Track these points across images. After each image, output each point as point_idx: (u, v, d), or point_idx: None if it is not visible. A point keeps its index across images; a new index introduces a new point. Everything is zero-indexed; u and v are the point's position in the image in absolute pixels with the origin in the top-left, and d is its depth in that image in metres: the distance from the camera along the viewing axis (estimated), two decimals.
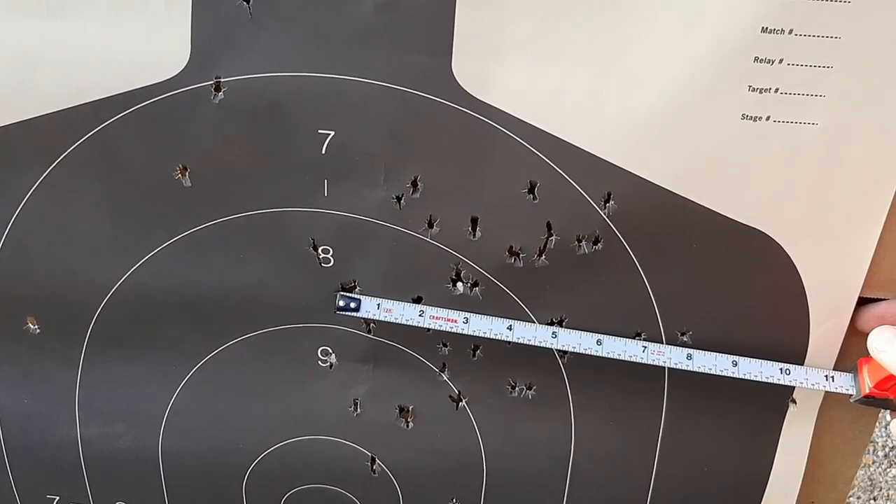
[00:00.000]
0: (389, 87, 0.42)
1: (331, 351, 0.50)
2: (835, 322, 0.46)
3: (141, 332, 0.51)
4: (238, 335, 0.50)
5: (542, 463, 0.52)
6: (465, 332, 0.47)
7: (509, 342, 0.47)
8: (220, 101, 0.43)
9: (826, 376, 0.46)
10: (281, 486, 0.55)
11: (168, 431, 0.54)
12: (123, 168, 0.45)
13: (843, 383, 0.46)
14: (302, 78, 0.42)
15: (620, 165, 0.42)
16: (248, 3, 0.41)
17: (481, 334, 0.47)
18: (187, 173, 0.45)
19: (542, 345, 0.46)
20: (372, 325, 0.49)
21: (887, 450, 1.36)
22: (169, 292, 0.49)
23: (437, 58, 0.41)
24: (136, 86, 0.43)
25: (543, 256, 0.45)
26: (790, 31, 0.39)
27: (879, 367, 0.43)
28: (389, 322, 0.47)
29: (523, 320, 0.47)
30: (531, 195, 0.44)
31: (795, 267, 0.44)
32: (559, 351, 0.49)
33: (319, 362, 0.51)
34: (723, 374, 0.46)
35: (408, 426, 0.52)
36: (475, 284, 0.47)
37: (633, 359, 0.46)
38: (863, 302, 0.45)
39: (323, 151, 0.44)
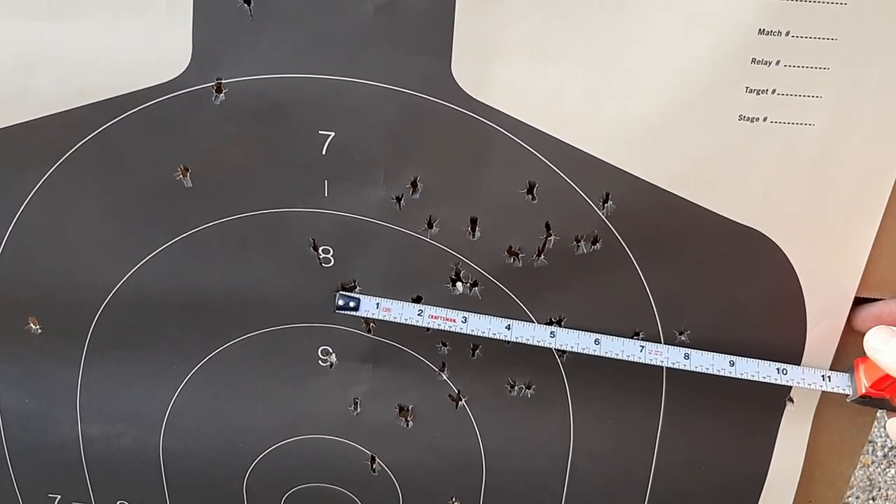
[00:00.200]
0: (389, 88, 0.42)
1: (331, 350, 0.51)
2: (831, 322, 0.46)
3: (142, 332, 0.51)
4: (238, 335, 0.50)
5: (541, 462, 0.52)
6: (463, 331, 0.47)
7: (508, 342, 0.47)
8: (221, 102, 0.43)
9: (823, 376, 0.46)
10: (281, 486, 0.55)
11: (169, 431, 0.54)
12: (125, 169, 0.45)
13: (839, 383, 0.46)
14: (302, 79, 0.42)
15: (619, 166, 0.42)
16: (248, 5, 0.41)
17: (480, 334, 0.47)
18: (188, 174, 0.45)
19: (541, 344, 0.47)
20: (372, 324, 0.49)
21: (886, 450, 1.36)
22: (170, 292, 0.49)
23: (436, 59, 0.41)
24: (137, 87, 0.43)
25: (542, 256, 0.46)
26: (787, 33, 0.39)
27: (876, 366, 0.43)
28: (389, 321, 0.47)
29: (522, 320, 0.47)
30: (530, 196, 0.44)
31: (792, 267, 0.44)
32: (558, 350, 0.49)
33: (320, 362, 0.51)
34: (720, 373, 0.46)
35: (408, 425, 0.52)
36: (474, 284, 0.47)
37: (631, 358, 0.46)
38: (859, 302, 0.45)
39: (323, 152, 0.44)
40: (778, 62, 0.39)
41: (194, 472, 0.55)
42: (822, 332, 0.46)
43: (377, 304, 0.47)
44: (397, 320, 0.47)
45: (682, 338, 0.47)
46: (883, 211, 0.42)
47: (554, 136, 0.42)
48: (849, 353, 0.47)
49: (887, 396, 0.45)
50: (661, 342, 0.47)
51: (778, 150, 0.41)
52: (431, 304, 0.47)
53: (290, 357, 0.51)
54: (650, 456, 0.52)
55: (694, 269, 0.45)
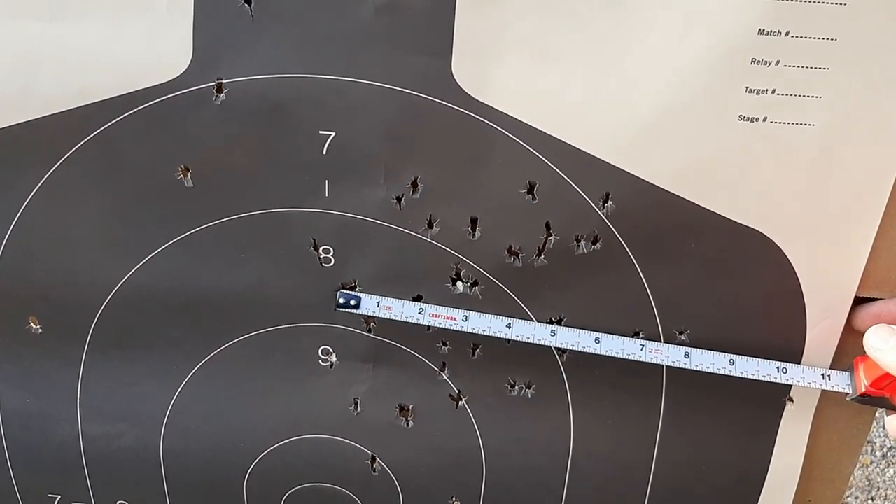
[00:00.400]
0: (390, 88, 0.42)
1: (331, 350, 0.51)
2: (831, 321, 0.46)
3: (142, 331, 0.51)
4: (239, 335, 0.50)
5: (541, 461, 0.53)
6: (464, 329, 0.47)
7: (508, 340, 0.47)
8: (221, 102, 0.43)
9: (823, 375, 0.46)
10: (281, 485, 0.55)
11: (169, 430, 0.54)
12: (125, 169, 0.45)
13: (839, 382, 0.46)
14: (303, 79, 0.42)
15: (619, 166, 0.42)
16: (249, 5, 0.41)
17: (481, 332, 0.47)
18: (189, 174, 0.45)
19: (541, 343, 0.47)
20: (372, 324, 0.49)
21: (885, 450, 1.36)
22: (170, 292, 0.49)
23: (437, 59, 0.41)
24: (138, 87, 0.43)
25: (542, 256, 0.46)
26: (787, 33, 0.39)
27: (875, 365, 0.43)
28: (389, 320, 0.47)
29: (522, 319, 0.47)
30: (530, 195, 0.44)
31: (792, 266, 0.45)
32: (558, 350, 0.49)
33: (320, 361, 0.51)
34: (720, 372, 0.46)
35: (408, 425, 0.53)
36: (475, 284, 0.47)
37: (631, 357, 0.46)
38: (859, 301, 0.45)
39: (324, 152, 0.44)
40: (778, 62, 0.40)
41: (194, 471, 0.55)
42: (822, 332, 0.46)
43: (378, 302, 0.47)
44: (398, 318, 0.47)
45: (682, 337, 0.47)
46: (882, 211, 0.43)
47: (554, 135, 0.42)
48: (848, 352, 0.47)
49: (887, 395, 0.45)
50: (661, 341, 0.47)
51: (778, 150, 0.41)
52: (431, 304, 0.47)
53: (291, 357, 0.51)
54: (650, 455, 0.52)
55: (694, 269, 0.45)
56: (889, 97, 0.40)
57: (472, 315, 0.47)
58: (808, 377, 0.46)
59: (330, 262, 0.47)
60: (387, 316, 0.47)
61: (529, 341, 0.47)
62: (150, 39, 0.42)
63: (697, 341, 0.47)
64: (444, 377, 0.51)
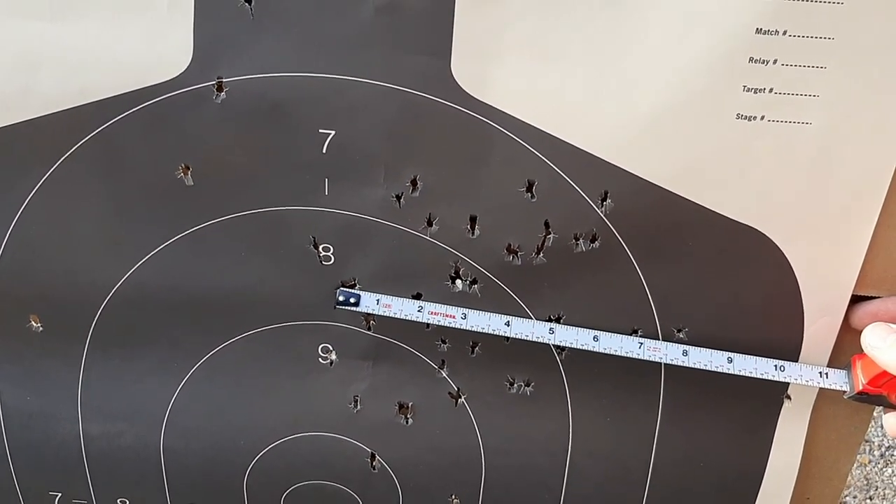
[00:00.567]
0: (389, 87, 0.42)
1: (331, 348, 0.51)
2: (829, 319, 0.46)
3: (143, 330, 0.51)
4: (239, 333, 0.51)
5: (540, 459, 0.53)
6: (463, 327, 0.47)
7: (507, 338, 0.48)
8: (221, 101, 0.43)
9: (820, 373, 0.46)
10: (281, 483, 0.56)
11: (169, 429, 0.54)
12: (126, 167, 0.45)
13: (836, 380, 0.46)
14: (303, 78, 0.42)
15: (618, 164, 0.43)
16: (249, 4, 0.41)
17: (480, 330, 0.47)
18: (189, 172, 0.45)
19: (540, 340, 0.47)
20: (372, 322, 0.50)
21: (883, 449, 1.36)
22: (171, 291, 0.49)
23: (436, 58, 0.41)
24: (138, 86, 0.43)
25: (541, 254, 0.46)
26: (784, 32, 0.39)
27: (873, 363, 0.44)
28: (389, 318, 0.47)
29: (521, 317, 0.47)
30: (529, 194, 0.44)
31: (790, 265, 0.45)
32: (557, 348, 0.49)
33: (320, 359, 0.51)
34: (718, 370, 0.46)
35: (407, 423, 0.53)
36: (474, 282, 0.47)
37: (629, 355, 0.46)
38: (856, 300, 0.46)
39: (324, 151, 0.44)
40: (775, 61, 0.40)
41: (195, 469, 0.55)
42: (820, 330, 0.46)
43: (377, 300, 0.47)
44: (397, 316, 0.47)
45: (681, 335, 0.47)
46: (880, 209, 0.43)
47: (553, 134, 0.43)
48: (846, 350, 0.47)
49: (884, 393, 0.45)
50: (659, 339, 0.47)
51: (775, 148, 0.42)
52: (431, 302, 0.48)
53: (291, 355, 0.51)
54: (649, 453, 0.52)
55: (692, 267, 0.45)
56: (887, 96, 0.40)
57: (472, 313, 0.47)
58: (806, 375, 0.46)
59: (330, 260, 0.47)
60: (386, 314, 0.47)
61: (528, 339, 0.47)
62: (150, 39, 0.42)
63: (695, 339, 0.47)
64: (444, 375, 0.51)
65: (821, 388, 0.48)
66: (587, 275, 0.46)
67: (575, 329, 0.47)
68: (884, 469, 1.35)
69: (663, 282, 0.46)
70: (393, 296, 0.48)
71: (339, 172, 0.45)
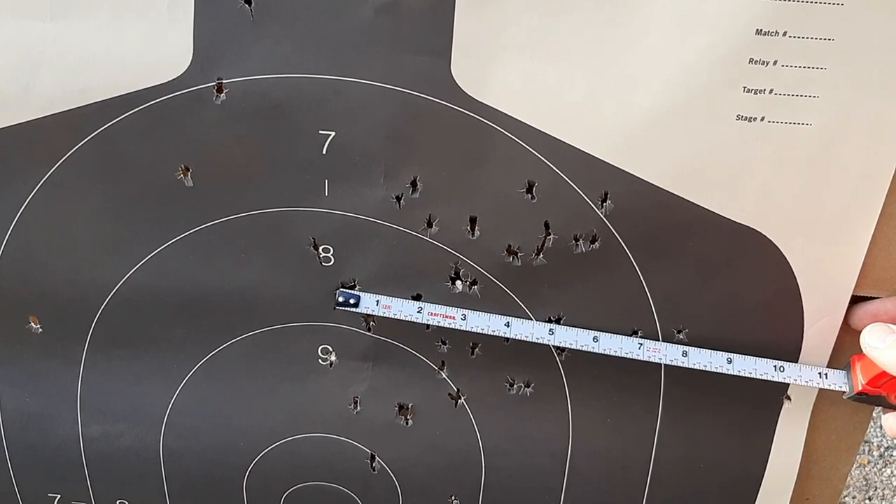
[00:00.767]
0: (389, 88, 0.42)
1: (331, 349, 0.51)
2: (828, 320, 0.46)
3: (142, 331, 0.51)
4: (239, 334, 0.51)
5: (540, 460, 0.53)
6: (463, 328, 0.47)
7: (507, 339, 0.48)
8: (222, 102, 0.43)
9: (820, 373, 0.46)
10: (281, 484, 0.56)
11: (169, 430, 0.54)
12: (126, 168, 0.45)
13: (836, 380, 0.46)
14: (303, 79, 0.42)
15: (617, 165, 0.43)
16: (249, 5, 0.41)
17: (479, 331, 0.47)
18: (189, 173, 0.45)
19: (540, 341, 0.47)
20: (372, 323, 0.50)
21: (882, 449, 1.36)
22: (170, 292, 0.49)
23: (436, 59, 0.41)
24: (139, 87, 0.43)
25: (541, 255, 0.46)
26: (784, 33, 0.39)
27: (872, 364, 0.44)
28: (388, 319, 0.47)
29: (521, 318, 0.48)
30: (529, 195, 0.44)
31: (790, 265, 0.45)
32: (557, 349, 0.49)
33: (320, 360, 0.51)
34: (718, 371, 0.46)
35: (407, 424, 0.53)
36: (474, 283, 0.47)
37: (629, 355, 0.46)
38: (856, 300, 0.46)
39: (324, 152, 0.44)
40: (775, 62, 0.40)
41: (194, 470, 0.55)
42: (820, 330, 0.46)
43: (377, 300, 0.47)
44: (397, 317, 0.47)
45: (681, 336, 0.47)
46: (879, 210, 0.43)
47: (553, 135, 0.43)
48: (846, 350, 0.47)
49: (883, 393, 0.45)
50: (659, 340, 0.47)
51: (775, 149, 0.42)
52: (431, 303, 0.48)
53: (290, 356, 0.51)
54: (649, 453, 0.52)
55: (692, 268, 0.46)
56: (886, 97, 0.40)
57: (471, 314, 0.47)
58: (806, 376, 0.46)
59: (329, 261, 0.47)
60: (386, 315, 0.47)
61: (528, 340, 0.47)
62: (150, 40, 0.42)
63: (695, 340, 0.47)
64: (444, 376, 0.51)
65: (820, 389, 0.48)
66: (587, 276, 0.46)
67: (575, 330, 0.47)
68: (883, 469, 1.35)
69: (663, 283, 0.46)
70: (393, 297, 0.48)
71: (338, 173, 0.45)
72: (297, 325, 0.50)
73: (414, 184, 0.45)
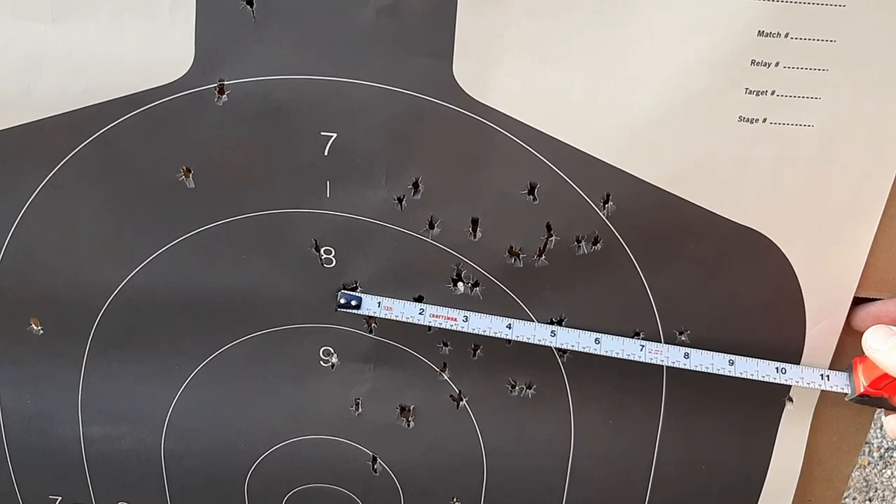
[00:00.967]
0: (391, 89, 0.42)
1: (332, 351, 0.51)
2: (830, 321, 0.46)
3: (144, 332, 0.51)
4: (240, 335, 0.51)
5: (541, 462, 0.53)
6: (464, 329, 0.47)
7: (509, 341, 0.48)
8: (223, 103, 0.43)
9: (821, 375, 0.46)
10: (282, 486, 0.55)
11: (170, 432, 0.54)
12: (127, 170, 0.45)
13: (838, 382, 0.46)
14: (304, 81, 0.42)
15: (619, 167, 0.43)
16: (251, 7, 0.41)
17: (481, 332, 0.47)
18: (191, 175, 0.45)
19: (541, 343, 0.47)
20: (373, 324, 0.50)
21: (883, 451, 1.36)
22: (172, 293, 0.49)
23: (438, 61, 0.41)
24: (140, 88, 0.43)
25: (543, 257, 0.46)
26: (786, 35, 0.39)
27: (874, 366, 0.44)
28: (390, 320, 0.47)
29: (523, 320, 0.47)
30: (531, 196, 0.44)
31: (792, 267, 0.45)
32: (559, 350, 0.49)
33: (321, 362, 0.51)
34: (720, 372, 0.46)
35: (409, 425, 0.53)
36: (476, 284, 0.47)
37: (631, 357, 0.46)
38: (858, 302, 0.46)
39: (325, 153, 0.44)
40: (777, 64, 0.40)
41: (195, 472, 0.55)
42: (821, 332, 0.46)
43: (378, 302, 0.47)
44: (399, 319, 0.47)
45: (682, 337, 0.47)
46: (881, 211, 0.43)
47: (555, 136, 0.43)
48: (847, 352, 0.47)
49: (885, 395, 0.45)
50: (661, 342, 0.47)
51: (777, 150, 0.42)
52: (432, 304, 0.48)
53: (292, 357, 0.51)
54: (650, 455, 0.52)
55: (694, 269, 0.45)
56: (888, 98, 0.40)
57: (473, 315, 0.47)
58: (808, 377, 0.46)
59: (331, 262, 0.47)
60: (388, 316, 0.47)
61: (530, 342, 0.47)
62: (152, 41, 0.42)
63: (697, 342, 0.47)
64: (445, 378, 0.51)
65: (822, 391, 0.48)
66: (589, 277, 0.46)
67: (577, 331, 0.47)
68: (883, 471, 1.35)
69: (665, 284, 0.46)
70: (394, 298, 0.48)
71: (340, 175, 0.45)
72: (299, 327, 0.50)
73: (416, 185, 0.45)
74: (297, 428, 0.53)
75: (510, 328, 0.47)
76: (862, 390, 0.45)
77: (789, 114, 0.41)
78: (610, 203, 0.44)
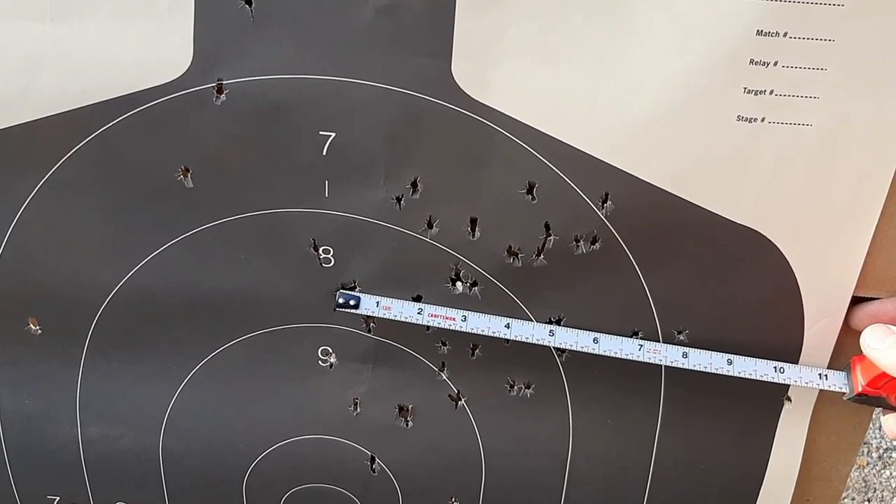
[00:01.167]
0: (390, 88, 0.42)
1: (331, 351, 0.51)
2: (829, 321, 0.46)
3: (142, 332, 0.51)
4: (239, 335, 0.51)
5: (540, 461, 0.53)
6: (463, 329, 0.47)
7: (507, 340, 0.48)
8: (222, 103, 0.43)
9: (820, 374, 0.46)
10: (281, 486, 0.55)
11: (169, 432, 0.54)
12: (126, 169, 0.45)
13: (836, 381, 0.46)
14: (303, 80, 0.42)
15: (618, 166, 0.43)
16: (250, 6, 0.41)
17: (479, 332, 0.47)
18: (189, 174, 0.45)
19: (540, 342, 0.47)
20: (372, 324, 0.50)
21: (881, 451, 1.36)
22: (170, 293, 0.49)
23: (437, 60, 0.41)
24: (139, 88, 0.43)
25: (542, 256, 0.46)
26: (785, 34, 0.39)
27: (872, 365, 0.44)
28: (389, 320, 0.47)
29: (522, 319, 0.47)
30: (530, 196, 0.44)
31: (790, 266, 0.45)
32: (557, 350, 0.49)
33: (320, 362, 0.51)
34: (718, 372, 0.46)
35: (407, 425, 0.53)
36: (474, 284, 0.47)
37: (629, 357, 0.46)
38: (856, 301, 0.46)
39: (324, 153, 0.44)
40: (776, 63, 0.40)
41: (194, 472, 0.55)
42: (820, 331, 0.46)
43: (377, 302, 0.47)
44: (397, 319, 0.47)
45: (681, 337, 0.47)
46: (880, 210, 0.43)
47: (553, 136, 0.43)
48: (846, 351, 0.47)
49: (884, 394, 0.45)
50: (659, 341, 0.47)
51: (776, 150, 0.42)
52: (431, 304, 0.48)
53: (291, 357, 0.51)
54: (649, 455, 0.52)
55: (692, 269, 0.46)
56: (887, 98, 0.40)
57: (472, 315, 0.47)
58: (806, 377, 0.46)
59: (330, 262, 0.47)
60: (386, 316, 0.47)
61: (528, 341, 0.47)
62: (151, 41, 0.42)
63: (696, 341, 0.47)
64: (444, 377, 0.51)
65: (821, 390, 0.48)
66: (588, 277, 0.46)
67: (575, 331, 0.47)
68: (881, 471, 1.35)
69: (664, 284, 0.46)
70: (393, 298, 0.48)
71: (339, 174, 0.45)
72: (297, 327, 0.50)
73: (414, 185, 0.45)
74: (295, 428, 0.53)
75: (509, 328, 0.47)
76: (860, 389, 0.45)
77: (788, 113, 0.41)
78: (608, 202, 0.44)
